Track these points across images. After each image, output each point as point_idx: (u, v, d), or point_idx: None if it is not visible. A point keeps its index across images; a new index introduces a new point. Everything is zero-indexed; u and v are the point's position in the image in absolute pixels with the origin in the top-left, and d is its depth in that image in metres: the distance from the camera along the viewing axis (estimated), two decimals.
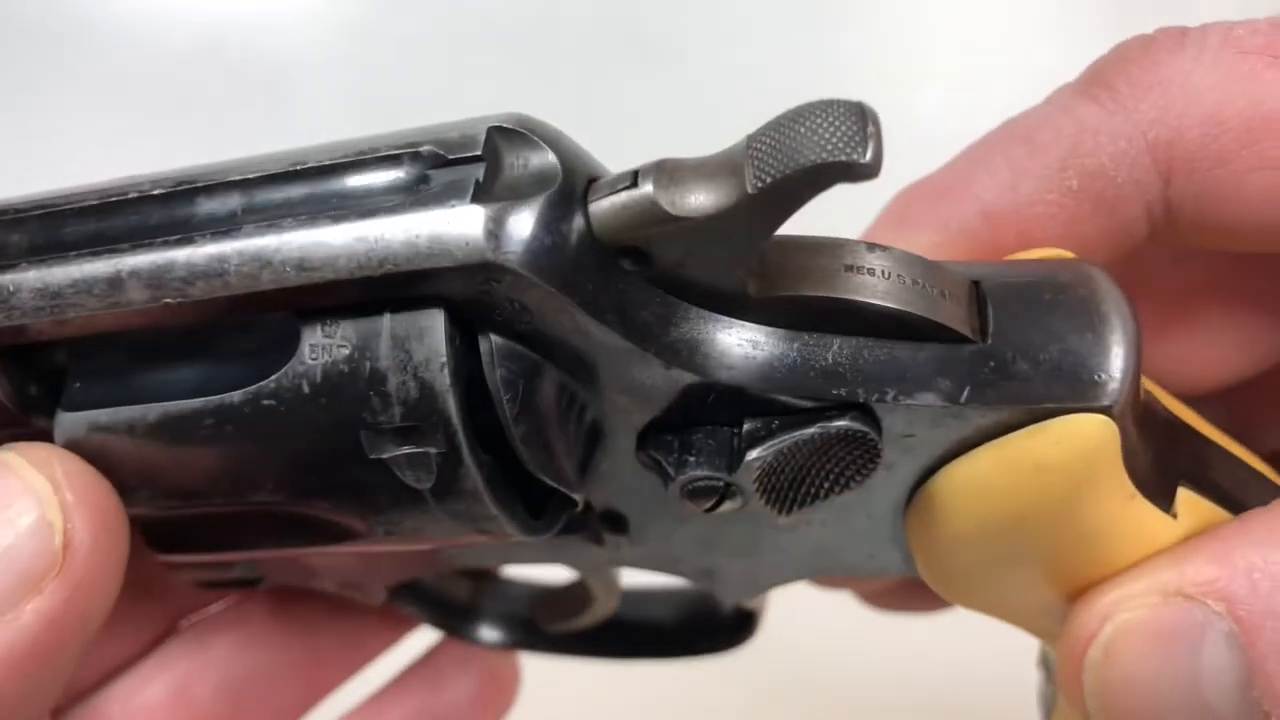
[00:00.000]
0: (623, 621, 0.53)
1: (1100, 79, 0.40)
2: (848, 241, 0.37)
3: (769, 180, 0.32)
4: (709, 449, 0.37)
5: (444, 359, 0.34)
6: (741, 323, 0.36)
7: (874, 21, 0.90)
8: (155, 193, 0.37)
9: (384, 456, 0.36)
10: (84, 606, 0.37)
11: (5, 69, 0.91)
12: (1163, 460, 0.39)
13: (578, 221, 0.34)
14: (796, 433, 0.36)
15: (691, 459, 0.37)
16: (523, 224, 0.33)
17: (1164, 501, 0.39)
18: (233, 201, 0.36)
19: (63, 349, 0.39)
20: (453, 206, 0.33)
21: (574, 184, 0.34)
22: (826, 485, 0.38)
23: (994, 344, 0.36)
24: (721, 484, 0.37)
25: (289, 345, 0.36)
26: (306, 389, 0.36)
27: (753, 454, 0.36)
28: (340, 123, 0.89)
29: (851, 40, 0.90)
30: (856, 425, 0.36)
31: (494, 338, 0.35)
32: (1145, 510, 0.38)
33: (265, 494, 0.37)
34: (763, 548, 0.44)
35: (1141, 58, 0.39)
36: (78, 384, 0.39)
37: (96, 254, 0.36)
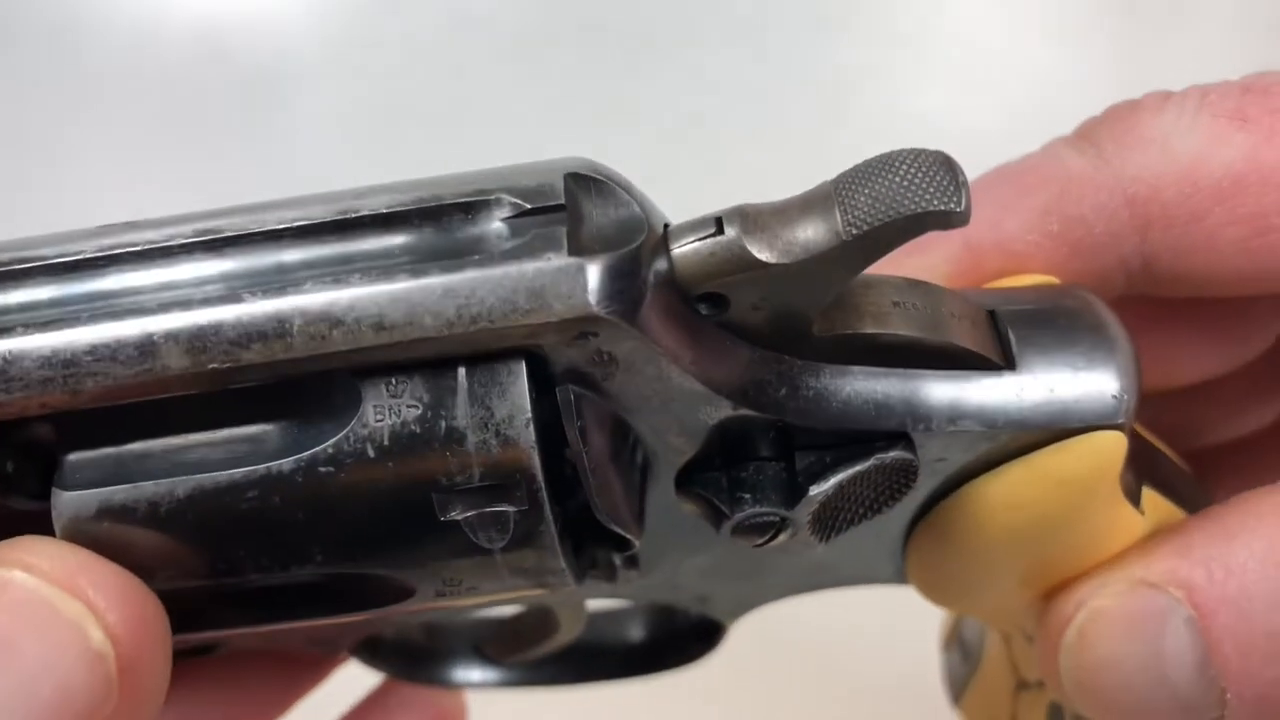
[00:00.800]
0: (587, 644, 0.53)
1: (1089, 135, 0.42)
2: (891, 278, 0.38)
3: (866, 228, 0.32)
4: (764, 485, 0.38)
5: (528, 415, 0.33)
6: (802, 361, 0.37)
7: (875, 23, 0.91)
8: (177, 243, 0.33)
9: (457, 518, 0.34)
10: (145, 714, 0.34)
11: (5, 69, 0.86)
12: (1133, 461, 0.43)
13: (662, 266, 0.33)
14: (854, 467, 0.37)
15: (747, 496, 0.38)
16: (620, 276, 0.32)
17: (1134, 500, 0.43)
18: (280, 255, 0.33)
19: (48, 421, 0.35)
20: (549, 260, 0.32)
21: (655, 225, 0.34)
22: (863, 510, 0.39)
23: (1022, 372, 0.39)
24: (779, 519, 0.38)
25: (346, 406, 0.33)
26: (371, 453, 0.33)
27: (814, 490, 0.37)
28: (340, 123, 0.86)
29: (853, 42, 0.90)
30: (907, 455, 0.37)
31: (572, 389, 0.34)
32: (1125, 510, 0.42)
33: (313, 566, 0.35)
34: (764, 570, 0.45)
35: (1128, 118, 0.42)
36: (75, 457, 0.34)
37: (116, 315, 0.32)
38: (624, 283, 0.32)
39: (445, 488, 0.34)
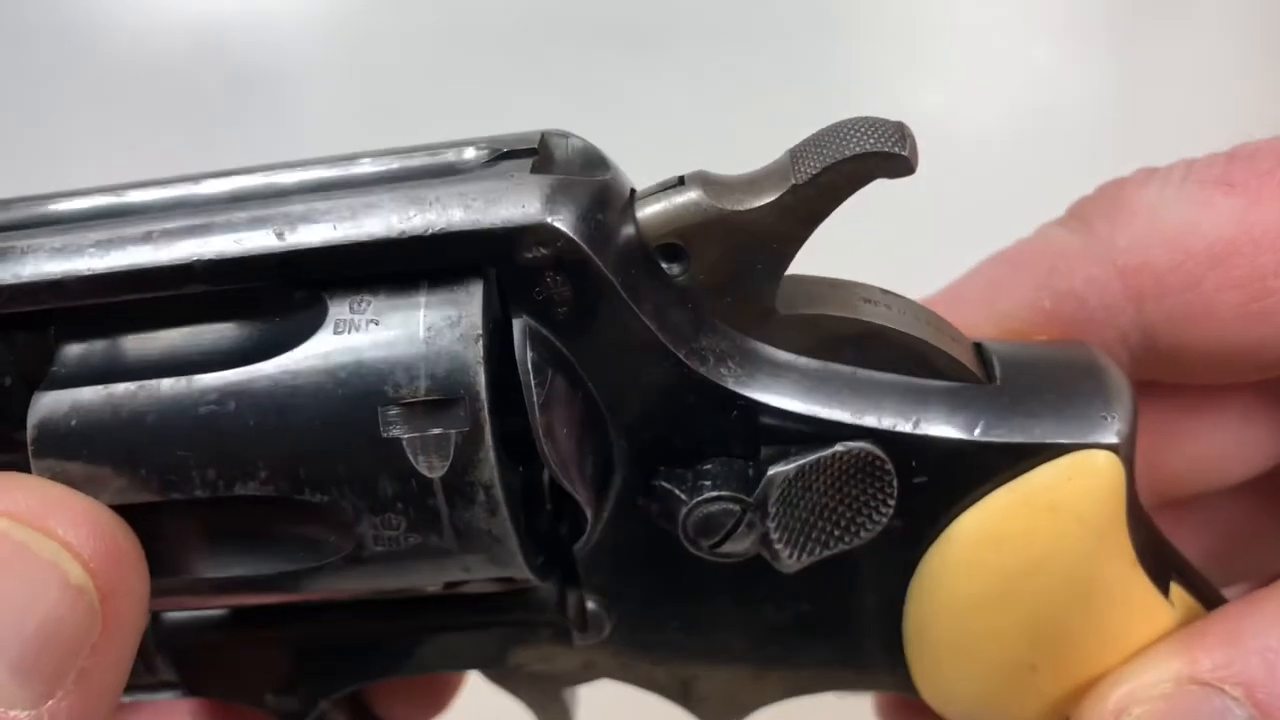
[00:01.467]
0: None
1: (1078, 213, 0.43)
2: (864, 284, 0.39)
3: (815, 172, 0.34)
4: (726, 473, 0.37)
5: (479, 331, 0.34)
6: (767, 345, 0.37)
7: (875, 23, 0.92)
8: (179, 184, 0.37)
9: (400, 435, 0.34)
10: (132, 636, 0.36)
11: (5, 69, 0.89)
12: (1154, 548, 0.40)
13: (625, 214, 0.35)
14: (817, 453, 0.36)
15: (707, 483, 0.36)
16: (578, 197, 0.34)
17: (1162, 587, 0.39)
18: (279, 180, 0.37)
19: (49, 330, 0.37)
20: (511, 177, 0.34)
21: (621, 181, 0.36)
22: (838, 522, 0.37)
23: (1004, 385, 0.38)
24: (738, 508, 0.36)
25: (312, 320, 0.35)
26: (325, 365, 0.34)
27: (774, 469, 0.36)
28: (340, 122, 0.88)
29: (853, 42, 0.90)
30: (875, 450, 0.36)
31: (529, 321, 0.35)
32: (1147, 588, 0.39)
33: (256, 484, 0.35)
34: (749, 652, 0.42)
35: (1115, 194, 0.42)
36: (60, 366, 0.36)
37: (125, 221, 0.36)
38: (580, 203, 0.34)
39: (391, 400, 0.34)
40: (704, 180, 0.35)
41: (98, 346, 0.36)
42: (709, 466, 0.37)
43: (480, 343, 0.34)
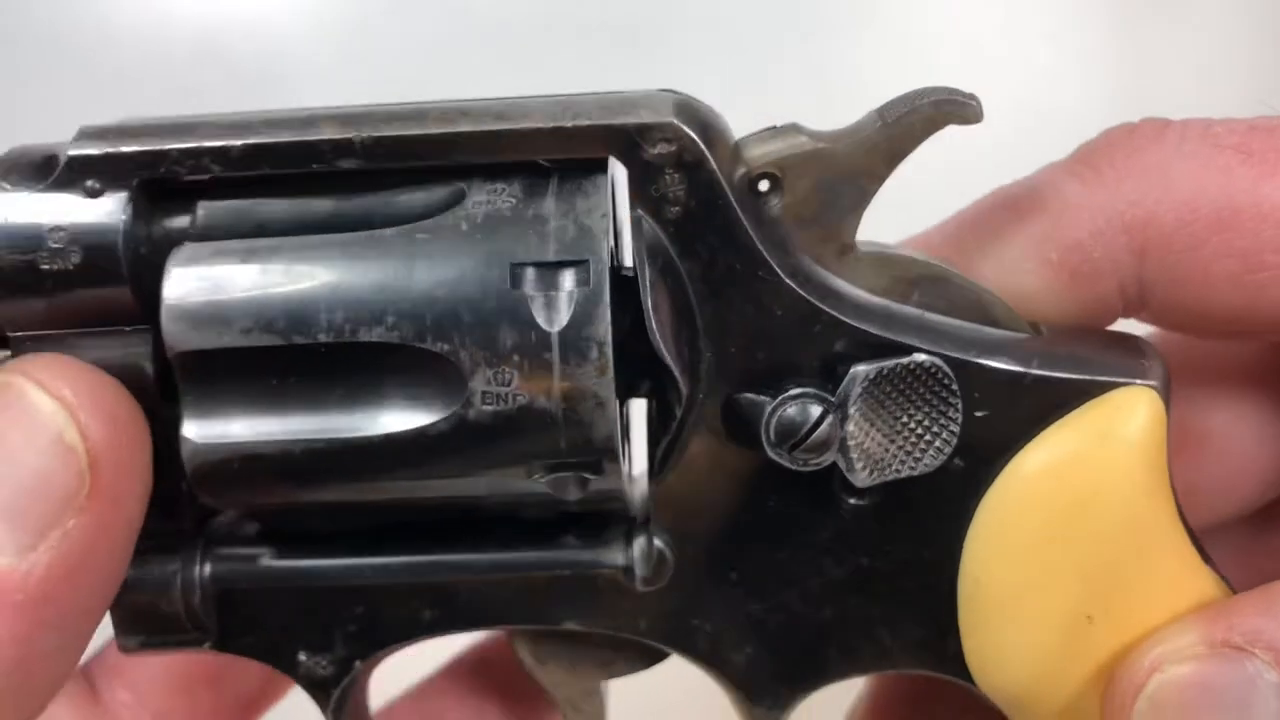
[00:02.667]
0: None
1: (1086, 159, 0.43)
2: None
3: (899, 114, 0.40)
4: (810, 372, 0.40)
5: (605, 210, 0.38)
6: (847, 282, 0.41)
7: (874, 22, 0.91)
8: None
9: (526, 291, 0.37)
10: (123, 512, 0.38)
11: (5, 69, 0.88)
12: (1186, 523, 0.42)
13: (731, 143, 0.40)
14: (893, 360, 0.39)
15: (792, 386, 0.39)
16: (701, 111, 0.40)
17: (1202, 556, 0.42)
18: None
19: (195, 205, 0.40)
20: (644, 92, 0.40)
21: (726, 123, 0.41)
22: (910, 439, 0.40)
23: (1052, 338, 0.42)
24: (821, 406, 0.39)
25: (452, 198, 0.39)
26: (464, 226, 0.38)
27: (857, 367, 0.39)
28: None
29: (852, 41, 0.90)
30: (944, 367, 0.39)
31: (645, 215, 0.39)
32: (1188, 547, 0.41)
33: (382, 330, 0.37)
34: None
35: (1125, 143, 0.42)
36: (201, 223, 0.40)
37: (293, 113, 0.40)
38: (702, 118, 0.39)
39: (521, 261, 0.37)
40: (797, 126, 0.41)
41: (243, 208, 0.39)
42: (792, 378, 0.40)
43: (606, 219, 0.38)
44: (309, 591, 0.43)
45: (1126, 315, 0.44)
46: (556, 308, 0.37)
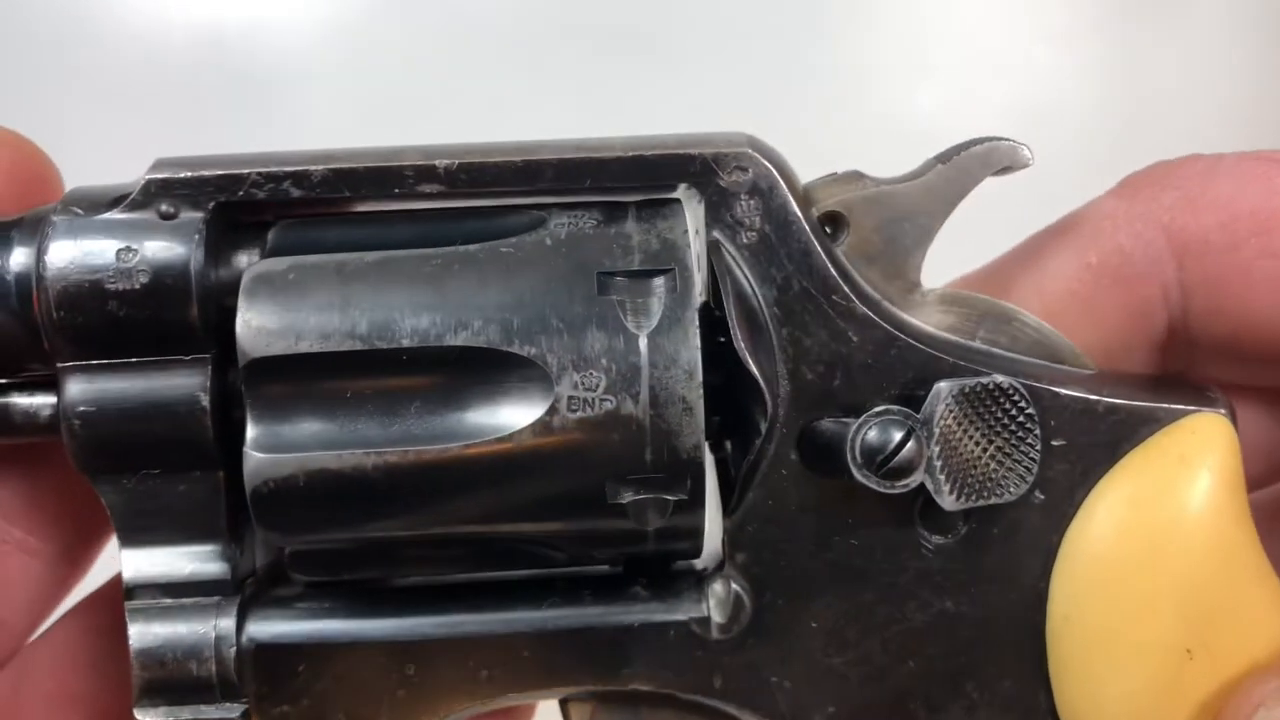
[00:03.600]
0: None
1: (1127, 182, 0.44)
2: None
3: (955, 156, 0.42)
4: (888, 397, 0.39)
5: (686, 228, 0.39)
6: (913, 317, 0.42)
7: (872, 22, 0.89)
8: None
9: (613, 297, 0.37)
10: None
11: (5, 69, 0.86)
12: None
13: (799, 182, 0.42)
14: (976, 379, 0.39)
15: (878, 405, 0.39)
16: (768, 146, 0.41)
17: None
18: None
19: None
20: (711, 132, 0.41)
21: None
22: (993, 464, 0.39)
23: (1119, 375, 0.42)
24: (907, 423, 0.38)
25: (535, 224, 0.39)
26: (549, 242, 0.38)
27: (941, 383, 0.39)
28: (340, 123, 0.81)
29: (851, 41, 0.87)
30: (1023, 391, 0.39)
31: (720, 238, 0.40)
32: (1274, 575, 0.41)
33: (468, 334, 0.36)
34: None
35: (1166, 167, 0.43)
36: (280, 240, 0.39)
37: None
38: (775, 153, 0.41)
39: (608, 270, 0.37)
40: (859, 172, 0.43)
41: (317, 237, 0.39)
42: (868, 403, 0.39)
43: (687, 235, 0.39)
44: (355, 652, 0.40)
45: (1172, 334, 0.44)
46: (644, 312, 0.37)
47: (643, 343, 0.37)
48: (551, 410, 0.36)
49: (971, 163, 0.42)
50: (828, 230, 0.42)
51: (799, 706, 0.40)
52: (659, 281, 0.37)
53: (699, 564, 0.41)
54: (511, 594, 0.40)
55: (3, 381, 0.41)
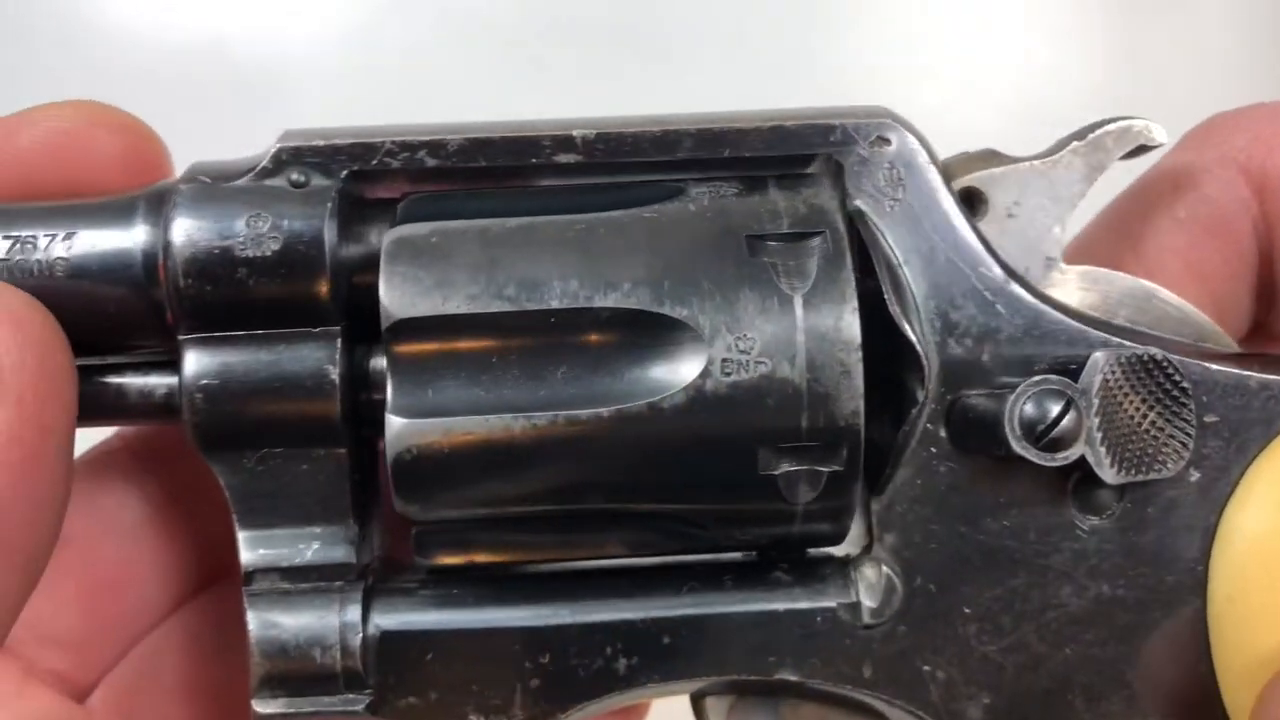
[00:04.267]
0: None
1: (1190, 135, 0.44)
2: None
3: (1092, 135, 0.41)
4: (1039, 371, 0.38)
5: (833, 194, 0.38)
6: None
7: (873, 20, 0.88)
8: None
9: (764, 260, 0.36)
10: (34, 421, 0.35)
11: (5, 69, 0.85)
12: None
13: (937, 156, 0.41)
14: (1130, 349, 0.38)
15: (1034, 377, 0.37)
16: (908, 123, 0.40)
17: None
18: None
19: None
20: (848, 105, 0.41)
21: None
22: (1150, 438, 0.38)
23: (1255, 352, 0.41)
24: (1066, 393, 0.37)
25: (674, 192, 0.38)
26: (692, 208, 0.37)
27: (1098, 353, 0.37)
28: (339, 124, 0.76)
29: (851, 39, 0.87)
30: (1176, 365, 0.38)
31: (864, 208, 0.39)
32: None
33: (618, 296, 0.35)
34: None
35: (1228, 115, 0.44)
36: (422, 207, 0.38)
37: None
38: (913, 130, 0.40)
39: (756, 234, 0.36)
40: (994, 150, 0.42)
41: (450, 208, 0.38)
42: (1020, 377, 0.38)
43: (834, 200, 0.38)
44: (486, 640, 0.38)
45: (1263, 282, 0.43)
46: (798, 274, 0.36)
47: (798, 304, 0.35)
48: (705, 373, 0.35)
49: (1107, 140, 0.41)
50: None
51: (953, 697, 0.38)
52: (812, 243, 0.36)
53: (838, 551, 0.40)
54: (649, 580, 0.38)
55: (118, 361, 0.40)
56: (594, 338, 0.35)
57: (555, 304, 0.35)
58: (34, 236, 0.37)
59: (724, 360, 0.35)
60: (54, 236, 0.37)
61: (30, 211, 0.38)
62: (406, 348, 0.35)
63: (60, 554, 0.40)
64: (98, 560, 0.43)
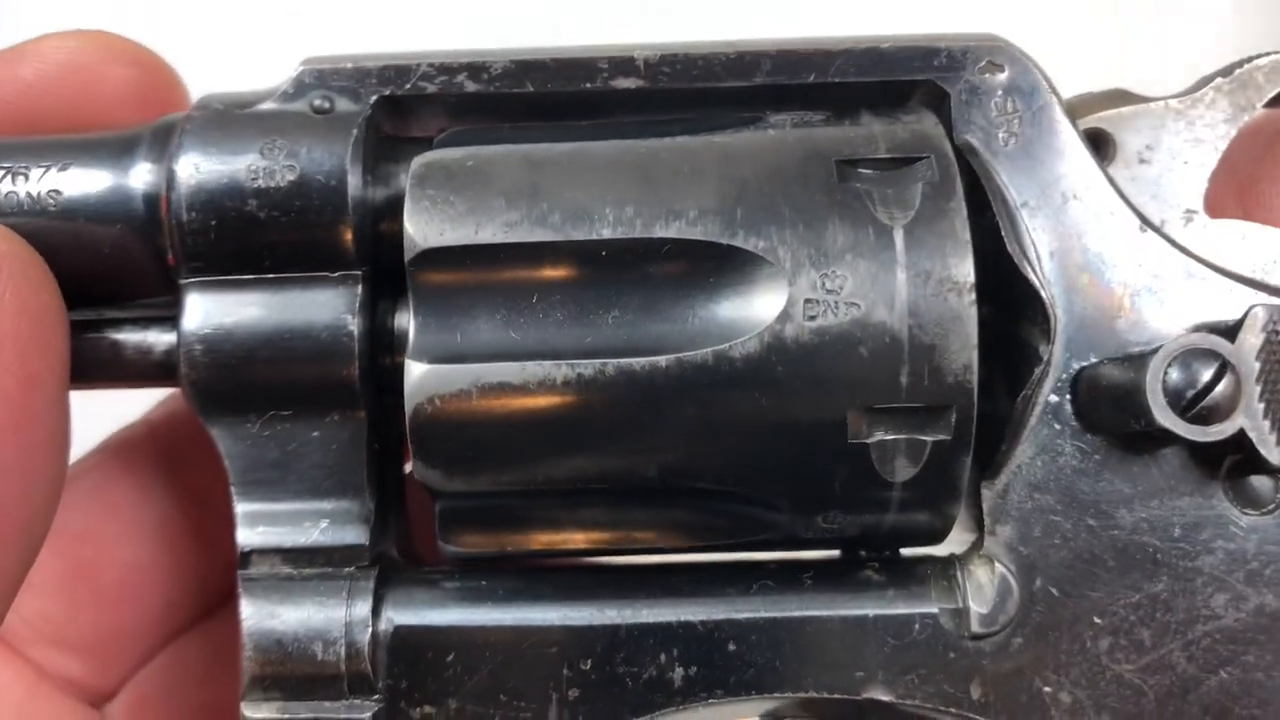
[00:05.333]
0: None
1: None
2: None
3: (1238, 70, 0.35)
4: (1182, 332, 0.32)
5: (936, 120, 0.32)
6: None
7: (872, 18, 0.76)
8: None
9: (859, 186, 0.30)
10: (16, 369, 0.30)
11: None
12: None
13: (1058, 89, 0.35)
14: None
15: (1181, 340, 0.31)
16: (1024, 51, 0.35)
17: None
18: None
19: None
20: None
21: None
22: None
23: None
24: (1218, 356, 0.31)
25: (753, 122, 0.33)
26: (773, 132, 0.32)
27: (1258, 308, 0.31)
28: None
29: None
30: None
31: (974, 144, 0.33)
32: None
33: (681, 224, 0.30)
34: None
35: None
36: (457, 132, 0.34)
37: None
38: (1030, 57, 0.34)
39: (848, 157, 0.31)
40: (1124, 90, 0.36)
41: (501, 132, 0.33)
42: (1158, 340, 0.32)
43: (939, 127, 0.32)
44: (519, 642, 0.32)
45: None
46: (898, 203, 0.30)
47: (898, 236, 0.30)
48: (784, 316, 0.29)
49: (1257, 76, 0.35)
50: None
51: (1069, 713, 0.31)
52: (915, 169, 0.31)
53: (938, 552, 0.33)
54: (712, 575, 0.32)
55: (115, 316, 0.35)
56: (652, 274, 0.30)
57: (607, 234, 0.30)
58: (26, 168, 0.33)
59: (807, 301, 0.29)
60: (47, 169, 0.33)
61: (25, 145, 0.34)
62: (433, 281, 0.30)
63: (74, 551, 0.37)
64: (115, 561, 0.39)
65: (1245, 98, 0.35)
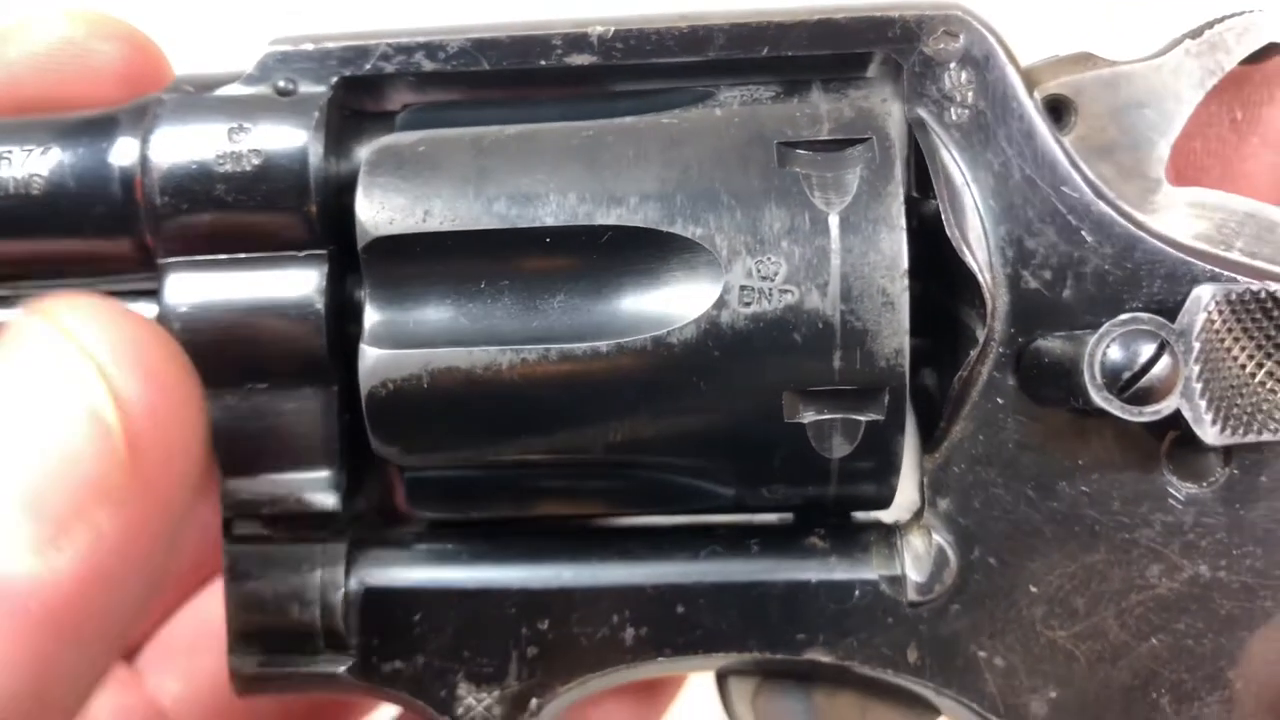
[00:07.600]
0: None
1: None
2: None
3: (1205, 30, 0.35)
4: (1130, 309, 0.32)
5: (886, 96, 0.33)
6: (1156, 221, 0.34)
7: None
8: None
9: (798, 170, 0.31)
10: (167, 503, 0.29)
11: None
12: None
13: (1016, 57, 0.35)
14: (1244, 284, 0.32)
15: (1121, 320, 0.31)
16: (982, 18, 0.34)
17: None
18: None
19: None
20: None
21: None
22: (1262, 394, 0.31)
23: None
24: (1159, 334, 0.31)
25: (703, 99, 0.33)
26: (719, 112, 0.32)
27: (1200, 288, 0.31)
28: None
29: None
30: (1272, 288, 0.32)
31: (924, 115, 0.33)
32: None
33: (623, 212, 0.31)
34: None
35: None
36: (411, 114, 0.34)
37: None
38: (987, 24, 0.34)
39: (790, 140, 0.31)
40: (1089, 53, 0.36)
41: (451, 118, 0.34)
42: (1105, 316, 0.32)
43: (886, 104, 0.32)
44: (480, 602, 0.34)
45: None
46: (835, 187, 0.31)
47: (833, 222, 0.30)
48: (720, 303, 0.30)
49: (1226, 37, 0.35)
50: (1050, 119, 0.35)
51: (1013, 688, 0.33)
52: (854, 151, 0.31)
53: (886, 517, 0.34)
54: (664, 540, 0.34)
55: (101, 290, 0.37)
56: (595, 261, 0.31)
57: (551, 221, 0.31)
58: (9, 151, 0.35)
59: (743, 288, 0.30)
60: (30, 151, 0.35)
61: (6, 126, 0.35)
62: (384, 270, 0.31)
63: None
64: None
65: (1214, 60, 0.35)
